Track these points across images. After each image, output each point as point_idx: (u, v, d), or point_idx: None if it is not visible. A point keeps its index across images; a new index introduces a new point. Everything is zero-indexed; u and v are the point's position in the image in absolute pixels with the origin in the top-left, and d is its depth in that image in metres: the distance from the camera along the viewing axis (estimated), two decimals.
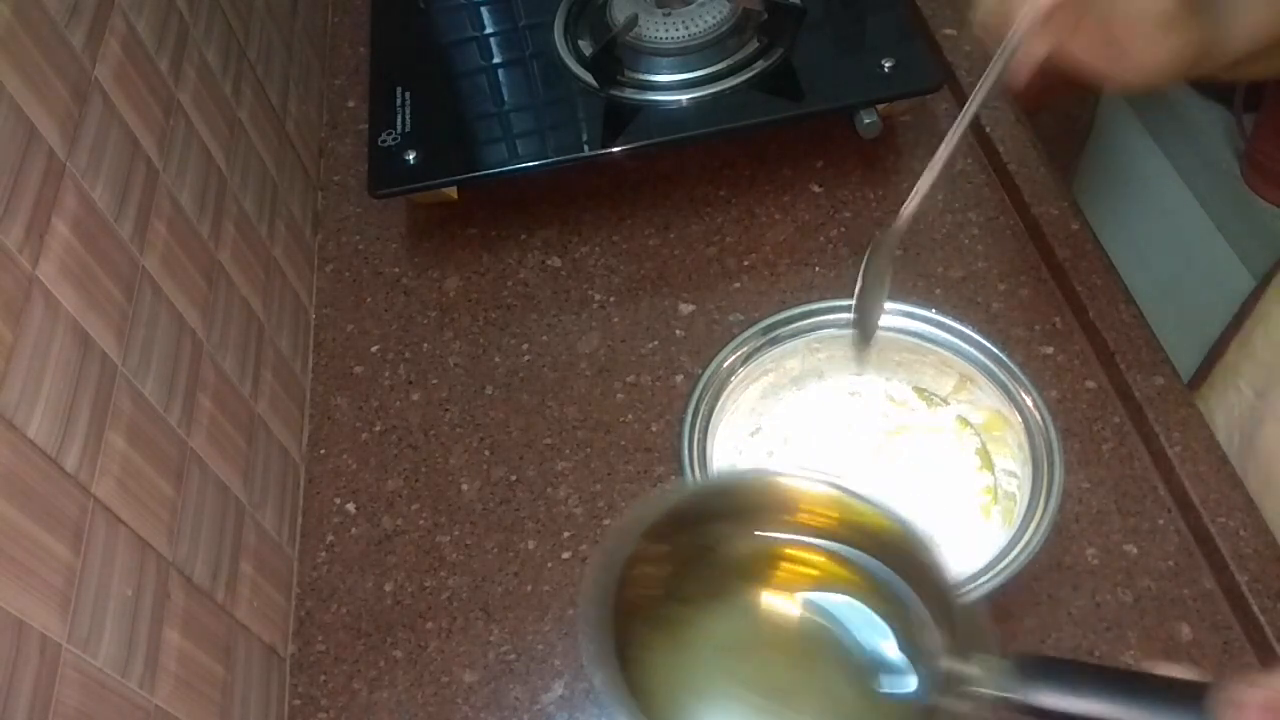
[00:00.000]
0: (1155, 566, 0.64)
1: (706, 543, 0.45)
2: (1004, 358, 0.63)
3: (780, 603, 0.45)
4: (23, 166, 0.49)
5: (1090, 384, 0.72)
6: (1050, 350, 0.74)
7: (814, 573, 0.45)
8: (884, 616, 0.44)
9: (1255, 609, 0.59)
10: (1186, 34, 0.52)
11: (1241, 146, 1.14)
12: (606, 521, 0.70)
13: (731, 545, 0.45)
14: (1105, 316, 0.73)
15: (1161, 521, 0.65)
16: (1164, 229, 1.28)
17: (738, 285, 0.80)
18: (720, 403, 0.65)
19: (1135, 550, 0.64)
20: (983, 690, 0.40)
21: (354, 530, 0.72)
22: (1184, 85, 1.19)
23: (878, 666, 0.43)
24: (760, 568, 0.45)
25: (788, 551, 0.45)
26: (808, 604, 0.45)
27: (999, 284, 0.78)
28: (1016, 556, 0.56)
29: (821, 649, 0.44)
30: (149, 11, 0.65)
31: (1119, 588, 0.63)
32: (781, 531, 0.45)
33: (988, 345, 0.64)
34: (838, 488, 0.44)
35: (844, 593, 0.44)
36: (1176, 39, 0.52)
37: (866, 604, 0.44)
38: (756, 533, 0.45)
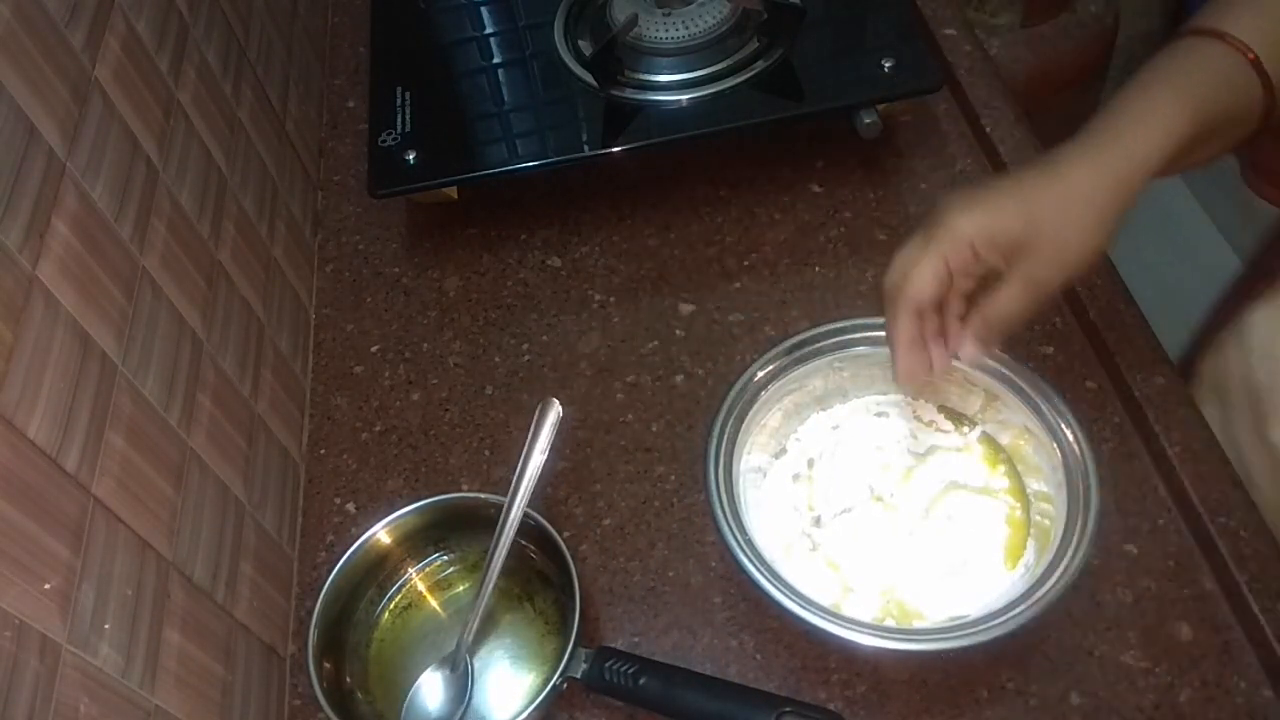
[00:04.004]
0: (1155, 566, 0.63)
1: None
2: (1027, 370, 0.62)
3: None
4: (23, 166, 0.49)
5: (1090, 384, 0.72)
6: (1050, 350, 0.74)
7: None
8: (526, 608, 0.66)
9: (1255, 609, 0.59)
10: (1102, 225, 0.56)
11: (1241, 146, 1.14)
12: (606, 521, 0.70)
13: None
14: (1105, 316, 0.73)
15: (1161, 521, 0.65)
16: (1164, 228, 1.28)
17: (738, 285, 0.80)
18: (745, 424, 0.64)
19: (1135, 550, 0.64)
20: (573, 674, 0.59)
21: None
22: None
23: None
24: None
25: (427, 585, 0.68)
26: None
27: None
28: (1054, 585, 0.54)
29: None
30: (149, 11, 0.65)
31: (1119, 588, 0.63)
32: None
33: (1010, 360, 0.63)
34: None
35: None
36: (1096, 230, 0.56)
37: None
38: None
